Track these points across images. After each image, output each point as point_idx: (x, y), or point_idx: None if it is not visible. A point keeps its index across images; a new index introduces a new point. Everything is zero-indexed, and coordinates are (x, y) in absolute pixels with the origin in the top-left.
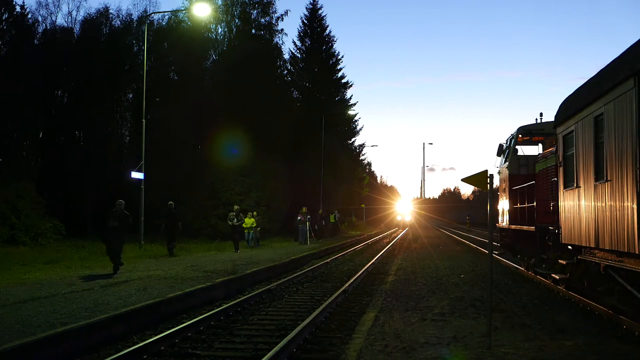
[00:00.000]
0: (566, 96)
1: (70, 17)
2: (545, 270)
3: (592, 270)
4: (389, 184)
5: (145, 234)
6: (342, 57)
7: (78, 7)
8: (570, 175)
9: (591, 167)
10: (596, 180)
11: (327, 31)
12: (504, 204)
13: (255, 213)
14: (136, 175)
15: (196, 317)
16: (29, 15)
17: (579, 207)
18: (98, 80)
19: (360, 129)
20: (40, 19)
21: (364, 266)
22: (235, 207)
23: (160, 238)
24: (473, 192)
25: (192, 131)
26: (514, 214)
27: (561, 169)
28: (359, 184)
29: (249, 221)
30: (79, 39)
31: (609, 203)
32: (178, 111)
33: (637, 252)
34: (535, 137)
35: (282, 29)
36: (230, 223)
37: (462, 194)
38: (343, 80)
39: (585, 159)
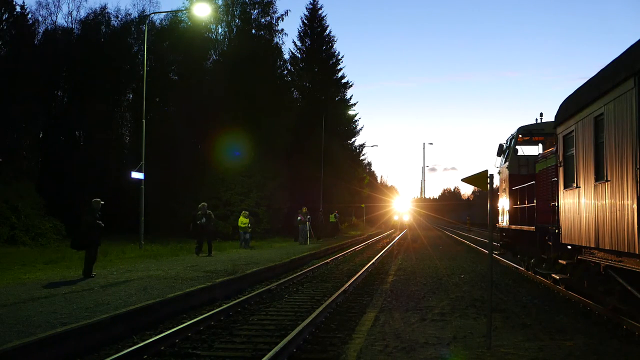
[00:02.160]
0: (566, 96)
1: (70, 17)
2: (545, 270)
3: (592, 270)
4: (389, 184)
5: (145, 234)
6: (342, 57)
7: (78, 7)
8: (570, 175)
9: (591, 167)
10: (596, 180)
11: (327, 31)
12: (504, 204)
13: (247, 213)
14: (136, 175)
15: (196, 317)
16: (29, 16)
17: (579, 207)
18: (98, 80)
19: (361, 129)
20: (40, 19)
21: (364, 266)
22: (202, 204)
23: (159, 238)
24: (473, 192)
25: (192, 131)
26: (514, 214)
27: (561, 169)
28: (359, 184)
29: (245, 221)
30: (79, 39)
31: (609, 203)
32: (178, 111)
33: (637, 252)
34: (536, 137)
35: (282, 29)
36: (198, 222)
37: (462, 194)
38: (343, 80)
39: (585, 159)
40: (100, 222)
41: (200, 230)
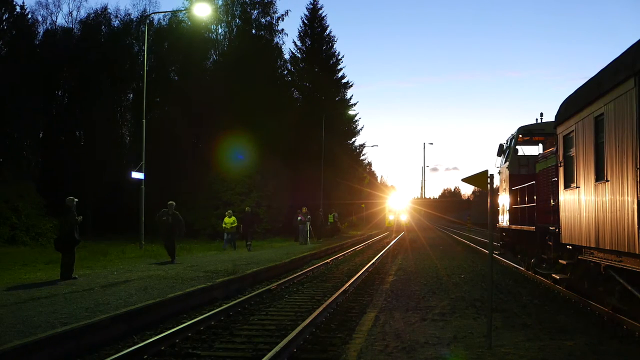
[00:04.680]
0: (567, 96)
1: (70, 17)
2: (545, 270)
3: (592, 270)
4: (389, 184)
5: (145, 234)
6: (343, 57)
7: (78, 7)
8: (570, 175)
9: (591, 167)
10: (596, 180)
11: (328, 31)
12: (504, 204)
13: (231, 212)
14: (136, 175)
15: (196, 317)
16: (29, 16)
17: (579, 207)
18: (98, 80)
19: (361, 129)
20: (40, 19)
21: (364, 266)
22: (170, 202)
23: (159, 238)
24: (473, 192)
25: (192, 131)
26: (514, 214)
27: (561, 169)
28: (360, 183)
29: (228, 221)
30: (79, 39)
31: (609, 203)
32: (178, 111)
33: (637, 252)
34: (536, 137)
35: (282, 29)
36: (163, 221)
37: (462, 194)
38: (343, 81)
39: (585, 159)
40: (79, 217)
41: (165, 232)
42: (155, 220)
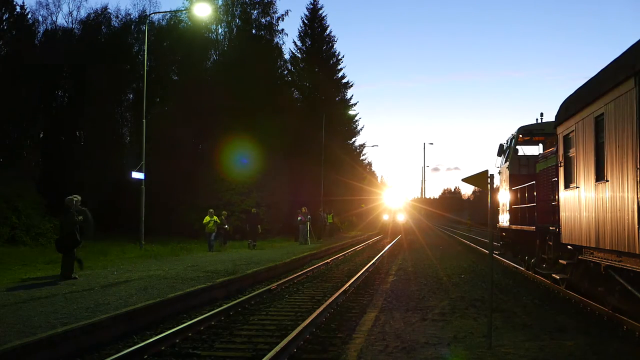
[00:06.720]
0: (567, 96)
1: (70, 17)
2: (545, 270)
3: (592, 270)
4: (389, 184)
5: (145, 234)
6: (343, 57)
7: (78, 7)
8: (570, 176)
9: (591, 167)
10: (596, 180)
11: (328, 31)
12: (504, 204)
13: (224, 212)
14: (136, 175)
15: (197, 317)
16: (29, 16)
17: (579, 207)
18: (98, 80)
19: (361, 129)
20: (40, 19)
21: (364, 266)
22: (74, 197)
23: (159, 238)
24: (473, 192)
25: (192, 131)
26: (514, 214)
27: (561, 169)
28: (360, 183)
29: (207, 219)
30: (79, 39)
31: (609, 203)
32: (178, 111)
33: (637, 252)
34: (536, 137)
35: (282, 29)
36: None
37: (462, 193)
38: (343, 81)
39: (585, 159)
40: (79, 217)
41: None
42: (60, 222)
